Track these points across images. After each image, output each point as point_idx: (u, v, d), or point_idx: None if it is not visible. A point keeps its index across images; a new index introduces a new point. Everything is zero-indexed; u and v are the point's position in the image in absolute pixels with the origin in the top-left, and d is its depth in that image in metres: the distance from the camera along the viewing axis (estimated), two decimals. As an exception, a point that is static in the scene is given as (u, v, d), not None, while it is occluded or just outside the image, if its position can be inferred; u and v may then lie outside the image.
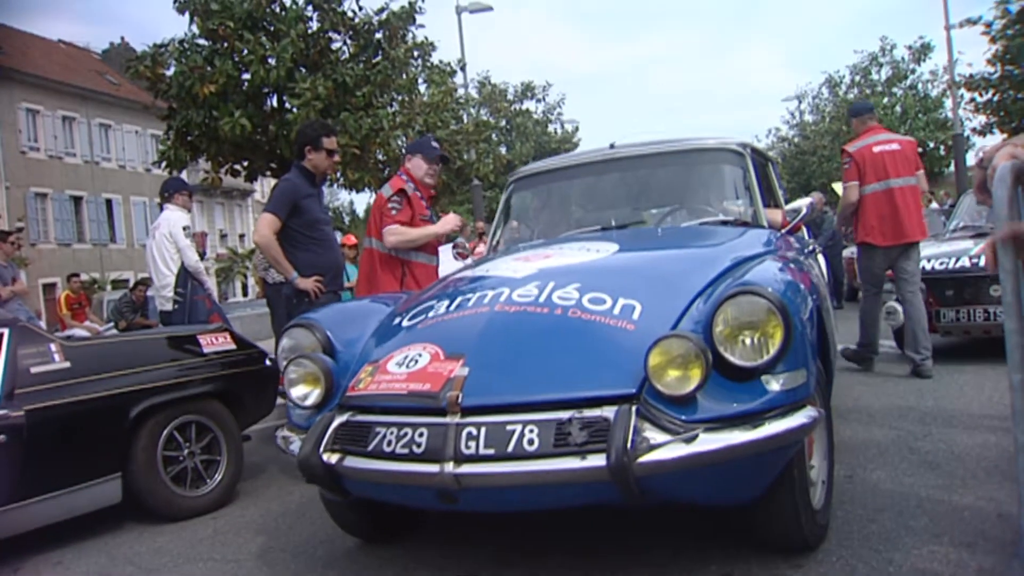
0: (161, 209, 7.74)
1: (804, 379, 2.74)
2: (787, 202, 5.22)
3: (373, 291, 5.23)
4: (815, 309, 3.14)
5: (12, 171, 34.76)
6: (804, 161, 38.19)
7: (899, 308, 7.30)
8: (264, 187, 41.85)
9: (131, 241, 41.03)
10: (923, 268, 7.31)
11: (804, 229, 12.85)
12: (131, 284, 14.93)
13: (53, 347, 4.38)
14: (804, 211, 4.43)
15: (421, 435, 2.67)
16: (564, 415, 2.58)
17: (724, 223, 4.39)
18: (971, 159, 20.45)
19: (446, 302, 3.29)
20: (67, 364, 4.36)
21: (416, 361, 2.93)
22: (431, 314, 3.26)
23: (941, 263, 7.28)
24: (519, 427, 2.57)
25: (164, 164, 12.45)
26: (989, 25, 17.93)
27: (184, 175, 12.02)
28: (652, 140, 4.92)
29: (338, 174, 12.93)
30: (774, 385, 2.64)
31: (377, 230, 5.29)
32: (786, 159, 42.86)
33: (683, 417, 2.55)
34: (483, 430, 2.60)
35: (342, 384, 3.12)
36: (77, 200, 38.98)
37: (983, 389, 5.77)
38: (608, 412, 2.56)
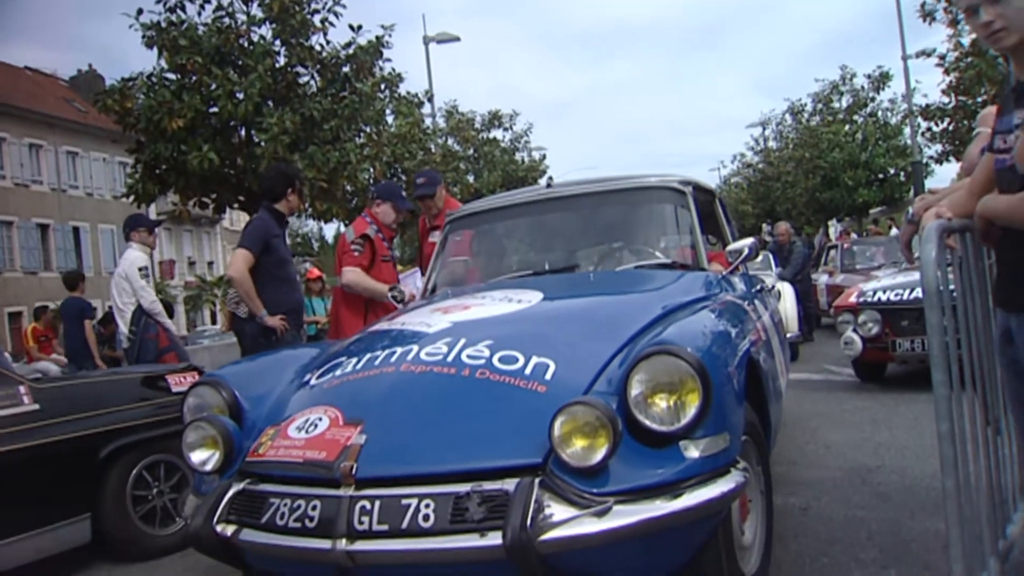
0: (127, 239, 7.81)
1: (726, 444, 2.57)
2: (742, 236, 5.04)
3: (339, 330, 5.39)
4: (746, 362, 3.00)
5: (-23, 199, 34.49)
6: (769, 187, 38.65)
7: (856, 338, 7.50)
8: (233, 215, 41.73)
9: (99, 269, 40.64)
10: (879, 299, 7.53)
11: (772, 259, 12.79)
12: (99, 315, 14.84)
13: (22, 389, 4.41)
14: (746, 252, 4.23)
15: (314, 508, 2.51)
16: (463, 488, 2.41)
17: (661, 266, 4.25)
18: (929, 185, 20.88)
19: (354, 360, 3.13)
20: (36, 406, 4.39)
21: (316, 426, 2.75)
22: (338, 372, 3.10)
23: (896, 294, 7.48)
24: (415, 501, 2.41)
25: (132, 198, 12.48)
26: (943, 57, 18.42)
27: (153, 207, 12.11)
28: (591, 178, 4.79)
29: (306, 205, 13.02)
30: (693, 451, 2.47)
31: (340, 270, 5.51)
32: (751, 185, 43.40)
33: (594, 490, 2.37)
34: (377, 504, 2.44)
35: (245, 447, 2.92)
36: (44, 228, 38.63)
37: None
38: (509, 485, 2.39)
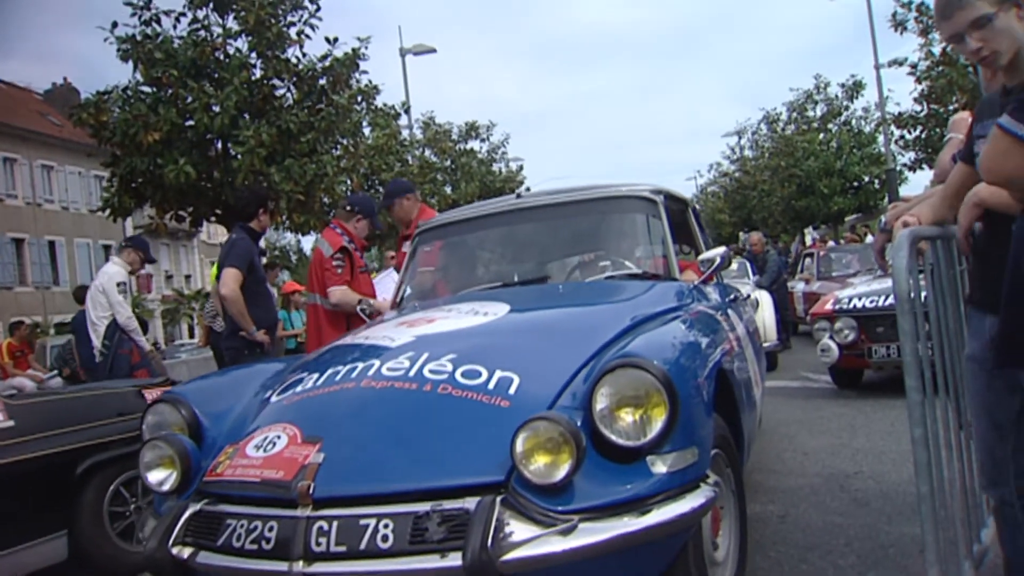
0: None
1: (695, 458, 2.50)
2: (718, 245, 4.99)
3: (320, 345, 5.36)
4: (716, 373, 2.94)
5: (-49, 214, 34.15)
6: (745, 196, 38.92)
7: (832, 345, 7.55)
8: (210, 229, 41.50)
9: (75, 283, 39.97)
10: (854, 306, 7.59)
11: (749, 267, 12.84)
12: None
13: (-4, 406, 4.38)
14: (718, 261, 4.18)
15: (271, 529, 2.45)
16: (423, 507, 2.34)
17: (632, 276, 4.16)
18: (903, 192, 21.00)
19: (316, 375, 3.06)
20: (11, 423, 4.34)
21: (274, 444, 2.68)
22: (298, 388, 3.03)
23: (871, 301, 7.55)
24: (373, 521, 2.35)
25: (108, 212, 12.40)
26: (914, 66, 18.63)
27: (129, 221, 12.02)
28: (561, 188, 4.74)
29: (284, 218, 13.00)
30: (660, 467, 2.41)
31: (320, 287, 5.45)
32: (728, 194, 43.68)
33: (558, 507, 2.31)
34: (335, 524, 2.37)
35: (204, 466, 2.85)
36: (19, 242, 38.28)
37: (912, 424, 5.96)
38: (470, 504, 2.32)
